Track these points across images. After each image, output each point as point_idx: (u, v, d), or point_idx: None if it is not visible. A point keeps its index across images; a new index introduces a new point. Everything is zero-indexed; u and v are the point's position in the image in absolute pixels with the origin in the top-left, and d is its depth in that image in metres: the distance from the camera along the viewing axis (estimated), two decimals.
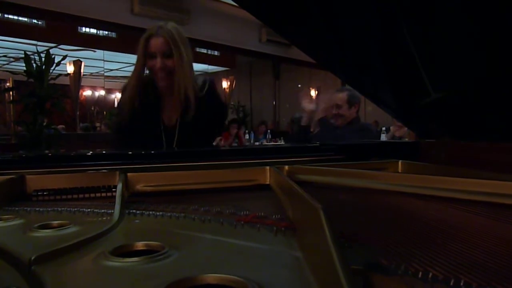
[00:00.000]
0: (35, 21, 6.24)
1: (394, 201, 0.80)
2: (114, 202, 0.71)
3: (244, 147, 3.37)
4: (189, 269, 0.44)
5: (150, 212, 0.69)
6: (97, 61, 8.62)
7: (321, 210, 0.43)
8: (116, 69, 9.89)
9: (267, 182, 0.96)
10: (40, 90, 4.14)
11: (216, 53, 8.69)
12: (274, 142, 6.61)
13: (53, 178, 0.89)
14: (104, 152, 1.27)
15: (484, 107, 1.00)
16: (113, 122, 1.64)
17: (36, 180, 0.88)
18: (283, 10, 1.07)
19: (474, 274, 0.40)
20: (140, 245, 0.51)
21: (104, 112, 9.72)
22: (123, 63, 9.34)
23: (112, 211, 0.67)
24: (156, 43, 1.45)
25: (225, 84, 10.11)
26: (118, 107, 1.63)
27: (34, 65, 4.22)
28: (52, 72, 4.34)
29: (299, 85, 10.72)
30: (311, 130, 2.60)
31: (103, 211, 0.71)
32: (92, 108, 10.99)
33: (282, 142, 6.32)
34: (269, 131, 7.60)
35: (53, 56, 4.37)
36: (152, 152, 1.24)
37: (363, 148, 1.41)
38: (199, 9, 7.42)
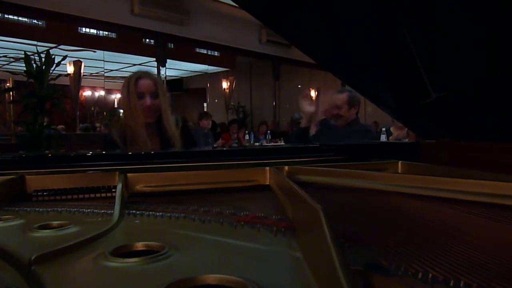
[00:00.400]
0: (35, 21, 6.23)
1: (394, 201, 0.80)
2: (114, 202, 0.71)
3: (244, 147, 3.37)
4: (189, 270, 0.44)
5: (150, 213, 0.69)
6: (97, 61, 8.60)
7: (321, 210, 0.43)
8: (116, 70, 9.88)
9: (267, 183, 0.96)
10: (40, 90, 4.14)
11: (216, 53, 8.69)
12: (274, 142, 6.60)
13: (53, 178, 0.89)
14: (104, 152, 1.26)
15: (484, 107, 1.00)
16: (104, 137, 1.83)
17: (36, 180, 0.88)
18: (282, 11, 1.07)
19: (474, 274, 0.40)
20: (140, 245, 0.51)
21: (104, 113, 9.71)
22: (123, 64, 9.33)
23: (112, 211, 0.67)
24: (145, 84, 1.64)
25: (225, 84, 10.10)
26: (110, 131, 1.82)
27: (34, 65, 4.22)
28: (52, 73, 4.34)
29: (299, 86, 10.71)
30: (310, 131, 2.59)
31: (103, 211, 0.71)
32: (92, 109, 10.98)
33: (282, 143, 6.32)
34: (269, 131, 7.60)
35: (53, 57, 4.37)
36: (152, 152, 1.24)
37: (363, 149, 1.41)
38: (199, 9, 7.42)
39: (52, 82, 4.36)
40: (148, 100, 1.61)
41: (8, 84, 7.96)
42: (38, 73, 4.20)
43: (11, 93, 7.04)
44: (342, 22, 1.05)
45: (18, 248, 0.49)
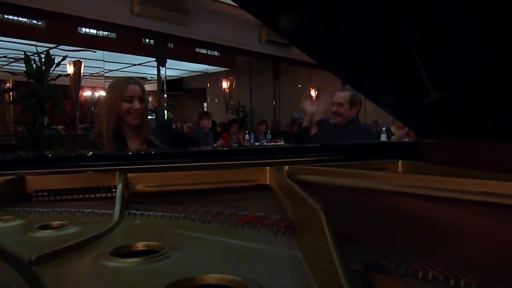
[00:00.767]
0: (35, 21, 6.23)
1: (394, 201, 0.80)
2: (114, 202, 0.71)
3: (244, 147, 3.37)
4: (189, 270, 0.44)
5: (150, 213, 0.69)
6: (97, 61, 8.61)
7: (321, 210, 0.43)
8: (116, 70, 9.89)
9: (267, 183, 0.96)
10: (40, 90, 4.14)
11: (216, 53, 8.69)
12: (274, 142, 6.60)
13: (53, 178, 0.89)
14: (104, 152, 1.26)
15: (484, 107, 1.00)
16: (90, 139, 1.91)
17: (36, 181, 0.88)
18: (282, 10, 1.07)
19: (474, 274, 0.40)
20: (140, 245, 0.51)
21: None
22: (123, 64, 9.33)
23: (112, 211, 0.67)
24: (134, 89, 1.77)
25: (225, 84, 10.10)
26: (95, 132, 1.89)
27: (34, 65, 4.22)
28: (52, 73, 4.35)
29: (299, 86, 10.71)
30: (311, 131, 2.59)
31: (103, 211, 0.71)
32: (92, 109, 10.97)
33: (282, 143, 6.31)
34: (269, 131, 7.60)
35: (53, 57, 4.38)
36: (152, 152, 1.24)
37: (363, 148, 1.41)
38: (199, 9, 7.41)
39: (52, 82, 4.37)
40: (137, 104, 1.74)
41: (8, 85, 7.97)
42: (38, 73, 4.20)
43: (11, 93, 7.06)
44: (342, 22, 1.05)
45: (18, 248, 0.49)
